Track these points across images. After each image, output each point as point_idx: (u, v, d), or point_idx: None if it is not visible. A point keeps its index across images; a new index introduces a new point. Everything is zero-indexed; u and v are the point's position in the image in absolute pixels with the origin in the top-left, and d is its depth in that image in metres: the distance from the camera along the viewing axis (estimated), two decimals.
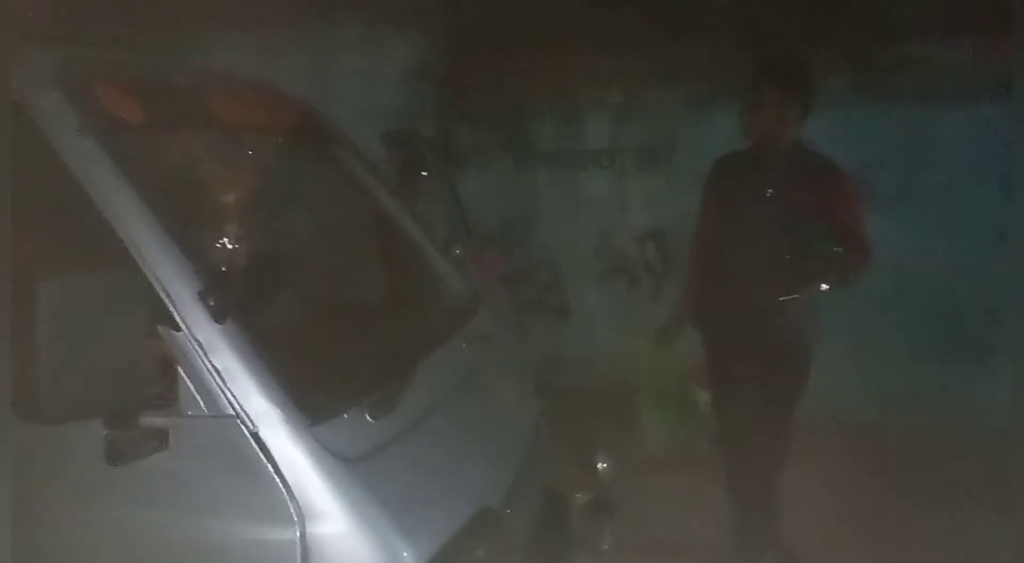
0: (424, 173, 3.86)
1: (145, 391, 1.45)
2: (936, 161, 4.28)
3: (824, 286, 2.71)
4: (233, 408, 1.47)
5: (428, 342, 2.06)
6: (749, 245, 2.83)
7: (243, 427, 1.47)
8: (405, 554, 1.53)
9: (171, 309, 1.48)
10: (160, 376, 1.47)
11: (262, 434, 1.47)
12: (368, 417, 1.64)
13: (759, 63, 2.93)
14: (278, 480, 1.46)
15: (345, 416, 1.60)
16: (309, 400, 1.55)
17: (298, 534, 1.45)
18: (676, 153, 4.62)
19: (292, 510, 1.46)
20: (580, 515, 2.27)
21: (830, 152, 4.26)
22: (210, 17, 4.10)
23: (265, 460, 1.46)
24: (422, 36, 4.78)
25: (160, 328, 1.48)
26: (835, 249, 2.70)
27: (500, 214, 4.81)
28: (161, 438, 1.48)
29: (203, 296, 1.49)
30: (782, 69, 2.86)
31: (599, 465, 2.42)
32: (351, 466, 1.54)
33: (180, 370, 1.48)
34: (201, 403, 1.48)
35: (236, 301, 1.60)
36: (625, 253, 4.78)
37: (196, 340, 1.48)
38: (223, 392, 1.47)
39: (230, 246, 2.09)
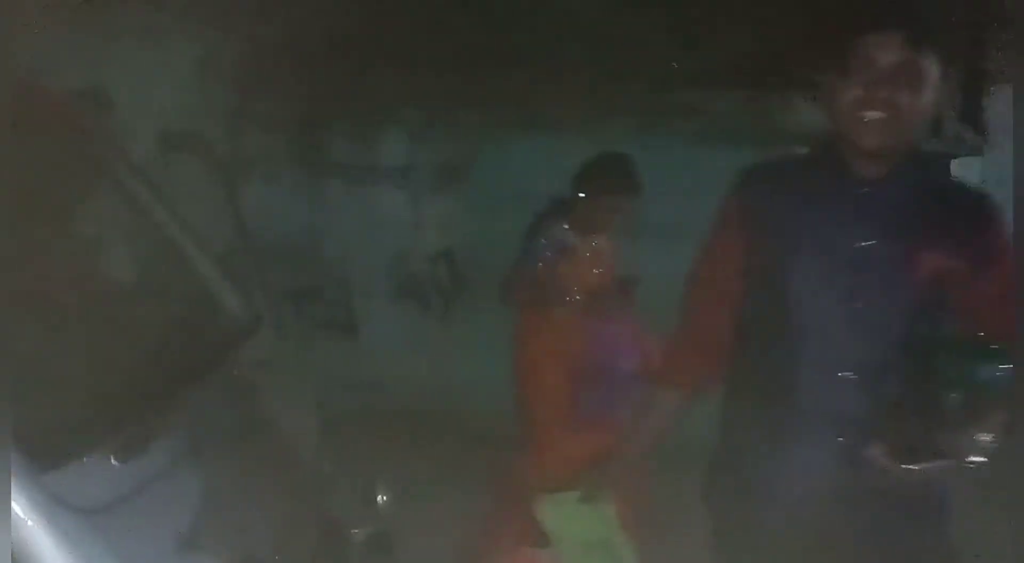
0: (203, 178, 3.63)
1: None
2: (710, 198, 4.59)
3: (985, 437, 1.38)
4: None
5: (193, 370, 1.87)
6: (816, 348, 1.53)
7: None
8: None
9: None
10: None
11: None
12: (114, 460, 1.44)
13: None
14: None
15: (85, 460, 1.39)
16: (38, 441, 1.32)
17: None
18: (473, 174, 4.64)
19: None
20: (358, 552, 2.15)
21: None
22: None
23: None
24: (211, 31, 4.46)
25: None
26: (997, 362, 1.40)
27: (288, 226, 4.58)
28: None
29: None
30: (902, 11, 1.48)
31: (379, 497, 2.31)
32: (91, 519, 1.33)
33: None
34: None
35: None
36: (416, 273, 4.72)
37: None
38: None
39: None
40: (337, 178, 4.66)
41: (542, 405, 2.87)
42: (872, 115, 1.47)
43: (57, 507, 1.30)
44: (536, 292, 2.88)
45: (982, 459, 1.41)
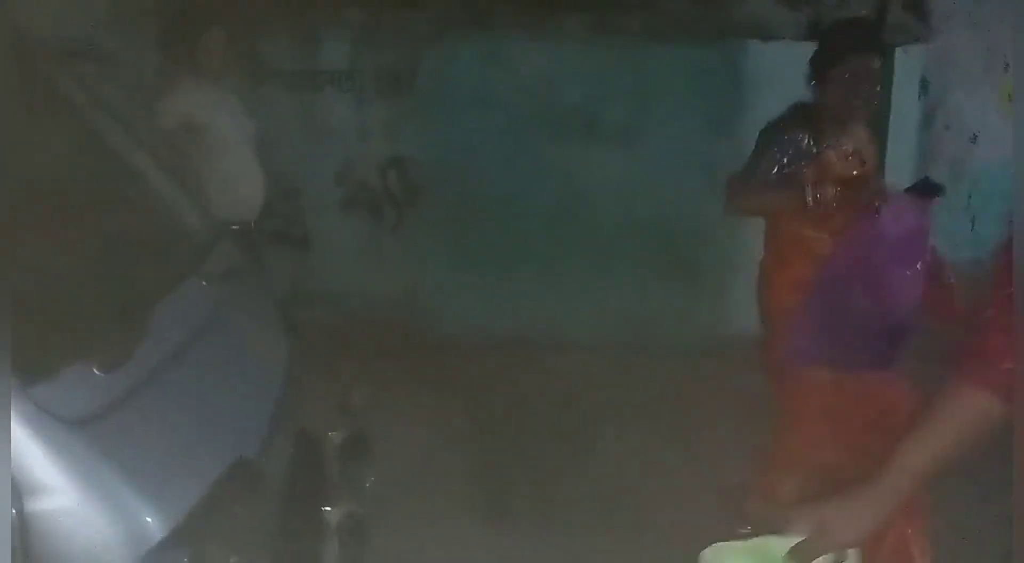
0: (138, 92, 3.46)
1: None
2: (660, 99, 4.55)
3: None
4: None
5: (162, 281, 1.84)
6: None
7: None
8: (149, 520, 1.38)
9: None
10: None
11: None
12: (96, 371, 1.44)
13: None
14: None
15: (68, 371, 1.38)
16: (21, 355, 1.30)
17: (14, 512, 1.24)
18: (419, 78, 4.52)
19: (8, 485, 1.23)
20: (337, 455, 2.19)
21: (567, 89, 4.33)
22: None
23: None
24: None
25: None
26: None
27: None
28: None
29: None
30: None
31: (355, 401, 2.34)
32: (79, 429, 1.34)
33: None
34: None
35: None
36: (366, 182, 4.63)
37: None
38: None
39: None
40: (277, 84, 4.49)
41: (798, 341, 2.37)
42: None
43: (45, 418, 1.30)
44: (786, 205, 2.36)
45: None
